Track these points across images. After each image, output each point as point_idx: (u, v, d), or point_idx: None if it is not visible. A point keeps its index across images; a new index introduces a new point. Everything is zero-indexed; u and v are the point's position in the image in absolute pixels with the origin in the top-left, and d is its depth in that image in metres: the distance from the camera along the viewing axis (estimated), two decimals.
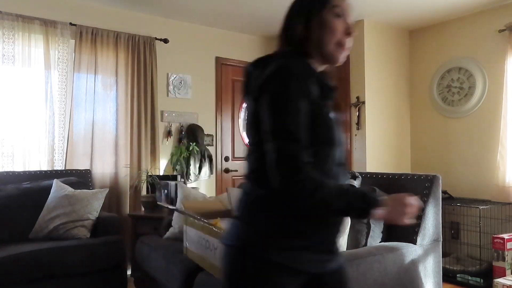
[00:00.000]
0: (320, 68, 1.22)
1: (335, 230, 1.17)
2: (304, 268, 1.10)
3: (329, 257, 1.15)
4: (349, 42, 1.19)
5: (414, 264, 1.98)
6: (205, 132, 4.43)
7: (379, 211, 1.04)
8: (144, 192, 3.85)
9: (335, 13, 1.15)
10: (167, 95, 4.22)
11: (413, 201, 1.07)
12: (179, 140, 4.24)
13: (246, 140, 4.66)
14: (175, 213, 2.87)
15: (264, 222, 1.09)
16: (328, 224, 1.13)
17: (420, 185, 2.13)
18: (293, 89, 1.04)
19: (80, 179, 3.43)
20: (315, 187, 1.01)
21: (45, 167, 3.51)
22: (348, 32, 1.17)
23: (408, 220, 1.07)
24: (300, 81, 1.06)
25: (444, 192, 4.04)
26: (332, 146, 1.13)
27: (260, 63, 1.17)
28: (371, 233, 2.02)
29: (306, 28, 1.15)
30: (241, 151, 4.82)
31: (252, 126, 1.13)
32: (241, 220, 1.14)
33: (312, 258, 1.10)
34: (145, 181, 3.80)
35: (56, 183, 3.15)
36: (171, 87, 4.23)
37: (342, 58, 1.20)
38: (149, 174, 3.81)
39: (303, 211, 1.06)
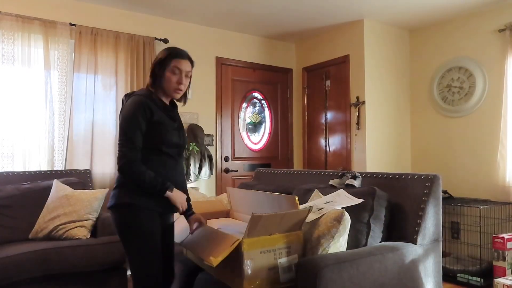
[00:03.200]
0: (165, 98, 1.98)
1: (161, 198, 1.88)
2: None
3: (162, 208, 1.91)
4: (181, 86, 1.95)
5: (414, 264, 1.98)
6: (205, 132, 4.43)
7: (169, 194, 1.86)
8: None
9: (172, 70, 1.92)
10: None
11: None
12: None
13: (247, 140, 4.56)
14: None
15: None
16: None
17: (420, 185, 2.13)
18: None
19: (80, 179, 3.43)
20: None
21: (45, 167, 3.51)
22: (179, 82, 1.93)
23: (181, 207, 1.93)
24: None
25: (444, 192, 4.04)
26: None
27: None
28: (371, 233, 2.02)
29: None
30: (241, 151, 4.82)
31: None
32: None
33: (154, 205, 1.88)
34: None
35: (56, 183, 3.15)
36: None
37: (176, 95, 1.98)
38: None
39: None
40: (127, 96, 1.98)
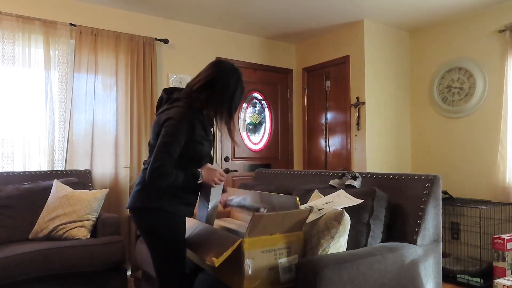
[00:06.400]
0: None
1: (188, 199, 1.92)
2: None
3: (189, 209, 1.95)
4: None
5: (414, 264, 1.98)
6: None
7: (202, 178, 1.85)
8: None
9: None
10: None
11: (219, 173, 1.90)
12: None
13: (247, 141, 4.58)
14: None
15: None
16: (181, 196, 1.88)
17: (420, 185, 2.13)
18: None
19: (80, 179, 3.44)
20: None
21: (45, 167, 3.51)
22: None
23: (215, 183, 1.89)
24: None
25: (444, 192, 4.05)
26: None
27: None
28: (371, 234, 2.02)
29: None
30: (241, 151, 4.82)
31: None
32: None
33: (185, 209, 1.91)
34: None
35: (56, 183, 3.15)
36: None
37: None
38: None
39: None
40: (170, 98, 1.92)
